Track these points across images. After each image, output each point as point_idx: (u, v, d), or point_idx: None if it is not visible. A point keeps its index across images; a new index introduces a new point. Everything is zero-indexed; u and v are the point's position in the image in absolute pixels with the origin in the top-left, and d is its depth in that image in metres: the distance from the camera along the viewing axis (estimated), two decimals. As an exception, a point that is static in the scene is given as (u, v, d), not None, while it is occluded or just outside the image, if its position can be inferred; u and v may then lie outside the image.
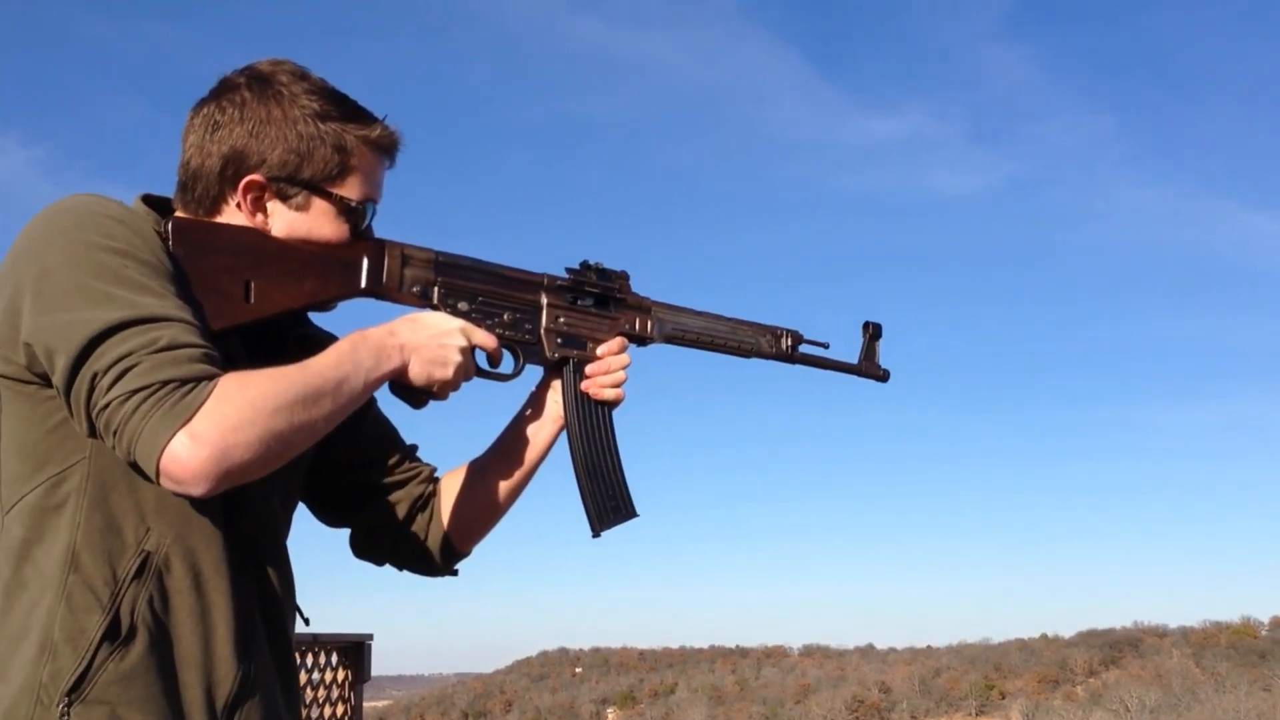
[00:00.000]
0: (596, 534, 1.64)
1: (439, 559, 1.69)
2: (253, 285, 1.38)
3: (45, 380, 1.28)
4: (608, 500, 1.67)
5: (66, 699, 1.24)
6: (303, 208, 1.43)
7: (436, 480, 1.69)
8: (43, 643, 1.26)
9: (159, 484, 1.22)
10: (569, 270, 1.66)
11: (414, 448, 1.70)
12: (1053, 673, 79.64)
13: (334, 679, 6.13)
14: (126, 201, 1.39)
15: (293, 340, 1.51)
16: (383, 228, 1.52)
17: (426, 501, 1.67)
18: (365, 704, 6.47)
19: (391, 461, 1.66)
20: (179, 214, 1.43)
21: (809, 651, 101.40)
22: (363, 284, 1.47)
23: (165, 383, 1.19)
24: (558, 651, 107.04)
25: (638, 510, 1.68)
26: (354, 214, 1.45)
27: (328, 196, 1.43)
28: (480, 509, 1.67)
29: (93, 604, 1.27)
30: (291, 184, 1.41)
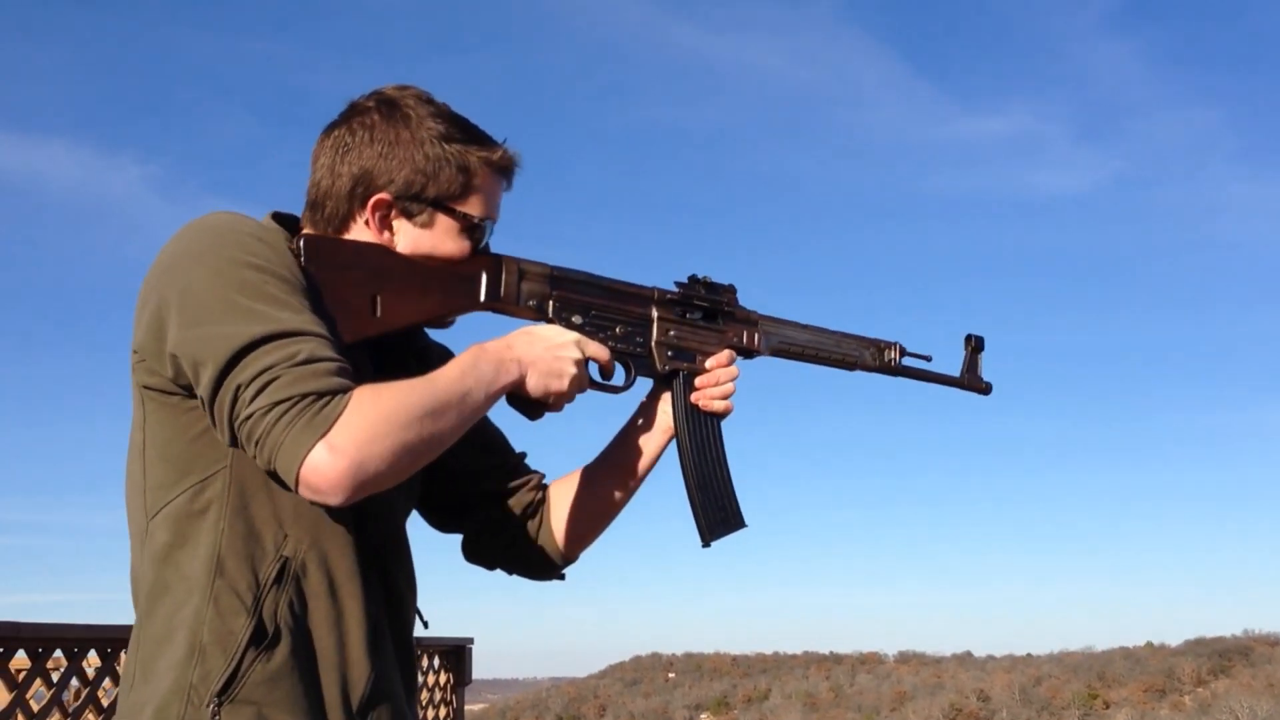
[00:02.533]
0: (706, 544, 1.68)
1: (548, 564, 1.74)
2: (379, 300, 1.43)
3: (189, 391, 1.34)
4: (717, 511, 1.69)
5: (217, 700, 1.30)
6: (427, 225, 1.49)
7: (545, 487, 1.74)
8: (191, 645, 1.32)
9: (298, 493, 1.27)
10: (678, 284, 1.69)
11: (523, 455, 1.75)
12: (1159, 682, 77.45)
13: (436, 681, 6.27)
14: (258, 219, 1.46)
15: (411, 354, 1.58)
16: (497, 240, 1.57)
17: (536, 508, 1.72)
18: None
19: (501, 469, 1.71)
20: (308, 231, 1.49)
21: (905, 658, 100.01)
22: (482, 298, 1.52)
23: (304, 395, 1.25)
24: (650, 656, 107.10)
25: (747, 521, 1.71)
26: (475, 231, 1.51)
27: (451, 214, 1.49)
28: (589, 516, 1.72)
29: (238, 608, 1.34)
30: (417, 202, 1.48)
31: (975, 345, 1.91)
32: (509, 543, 1.73)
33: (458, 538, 1.78)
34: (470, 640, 6.56)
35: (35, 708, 3.57)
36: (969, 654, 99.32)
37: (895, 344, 1.86)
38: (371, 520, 1.44)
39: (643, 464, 1.71)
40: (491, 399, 1.43)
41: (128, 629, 4.41)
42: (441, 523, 1.74)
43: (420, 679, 6.02)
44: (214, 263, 1.32)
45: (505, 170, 1.54)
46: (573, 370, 1.49)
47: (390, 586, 1.50)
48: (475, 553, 1.76)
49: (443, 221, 1.49)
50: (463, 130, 1.50)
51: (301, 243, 1.42)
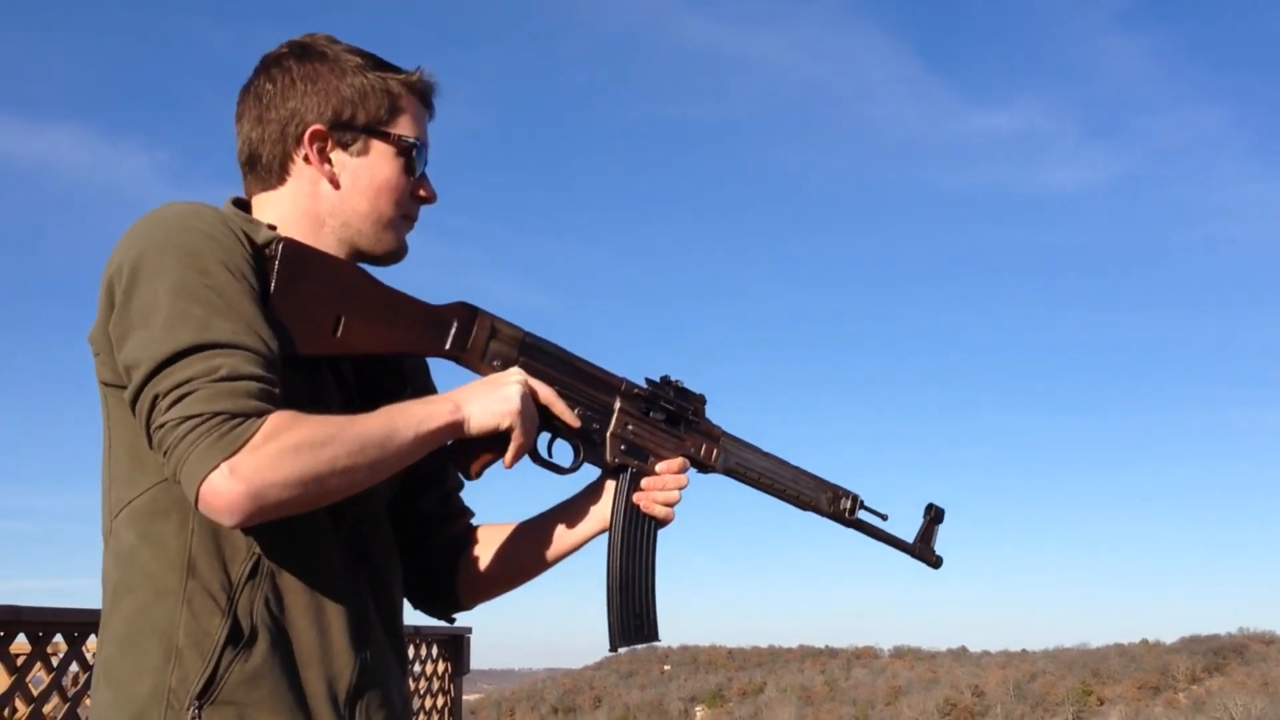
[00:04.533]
0: (614, 649, 1.65)
1: (448, 601, 1.72)
2: (342, 320, 1.40)
3: None
4: (633, 618, 1.65)
5: (196, 703, 1.28)
6: (363, 153, 1.49)
7: (474, 528, 1.72)
8: (167, 648, 1.30)
9: (197, 510, 1.25)
10: (649, 381, 1.66)
11: (460, 486, 1.73)
12: (1153, 679, 77.58)
13: (435, 670, 6.27)
14: (219, 205, 1.44)
15: (391, 373, 1.57)
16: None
17: (460, 546, 1.70)
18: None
19: (439, 495, 1.69)
20: (255, 206, 1.50)
21: (900, 653, 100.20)
22: (447, 345, 1.49)
23: (216, 414, 1.22)
24: (646, 649, 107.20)
25: (660, 635, 1.66)
26: (410, 151, 1.51)
27: (385, 138, 1.49)
28: (504, 574, 1.69)
29: (212, 608, 1.31)
30: (350, 130, 1.48)
31: (934, 516, 1.90)
32: (424, 570, 1.69)
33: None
34: (469, 630, 6.56)
35: (35, 691, 3.57)
36: (964, 649, 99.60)
37: (853, 495, 1.82)
38: (349, 506, 1.41)
39: (568, 546, 1.67)
40: (422, 440, 1.37)
41: (128, 614, 4.35)
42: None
43: (419, 668, 6.02)
44: (157, 261, 1.30)
45: (425, 92, 1.55)
46: (516, 398, 1.44)
47: (374, 570, 1.49)
48: None
49: (377, 147, 1.49)
50: (377, 61, 1.51)
51: (280, 246, 1.38)
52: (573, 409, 1.56)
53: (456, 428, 1.41)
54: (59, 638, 3.74)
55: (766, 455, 1.76)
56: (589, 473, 1.65)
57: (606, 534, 1.65)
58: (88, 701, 3.91)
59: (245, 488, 1.21)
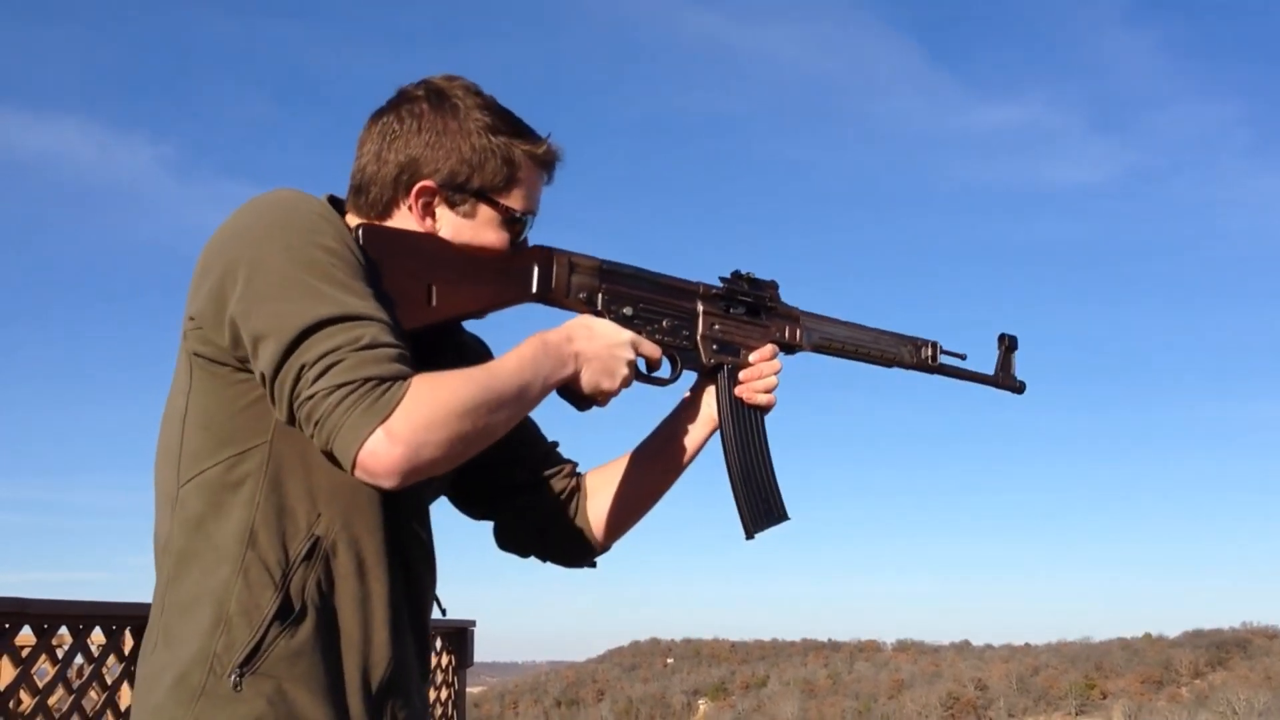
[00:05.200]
0: (750, 536, 1.68)
1: (581, 552, 1.75)
2: (434, 289, 1.45)
3: (241, 363, 1.35)
4: (761, 504, 1.70)
5: (239, 670, 1.32)
6: (469, 215, 1.49)
7: (579, 475, 1.75)
8: (218, 615, 1.34)
9: (353, 475, 1.29)
10: (722, 279, 1.70)
11: (555, 444, 1.76)
12: (1156, 673, 77.60)
13: (439, 663, 6.28)
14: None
15: (448, 347, 1.58)
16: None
17: (570, 496, 1.73)
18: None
19: (534, 458, 1.72)
20: (353, 219, 1.50)
21: (903, 646, 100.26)
22: (534, 290, 1.53)
23: (366, 380, 1.26)
24: (649, 642, 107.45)
25: (789, 514, 1.72)
26: (516, 224, 1.52)
27: (494, 206, 1.50)
28: (628, 505, 1.72)
29: (267, 581, 1.35)
30: (461, 192, 1.48)
31: (1009, 344, 1.92)
32: (541, 530, 1.73)
33: (468, 522, 1.77)
34: (472, 623, 6.57)
35: (40, 684, 3.58)
36: (967, 643, 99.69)
37: (932, 342, 1.86)
38: (401, 507, 1.45)
39: (686, 456, 1.71)
40: (547, 391, 1.45)
41: (132, 606, 4.40)
42: (473, 510, 1.74)
43: (422, 660, 6.02)
44: (283, 238, 1.33)
45: (548, 164, 1.55)
46: (625, 371, 1.52)
47: (411, 573, 1.51)
48: (508, 540, 1.76)
49: (484, 212, 1.50)
50: (508, 123, 1.51)
51: (361, 230, 1.43)
52: (660, 321, 1.62)
53: (570, 382, 1.48)
54: (64, 630, 3.75)
55: (846, 324, 1.81)
56: (685, 382, 1.70)
57: (718, 433, 1.70)
58: (92, 694, 3.93)
59: (403, 450, 1.26)
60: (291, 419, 1.31)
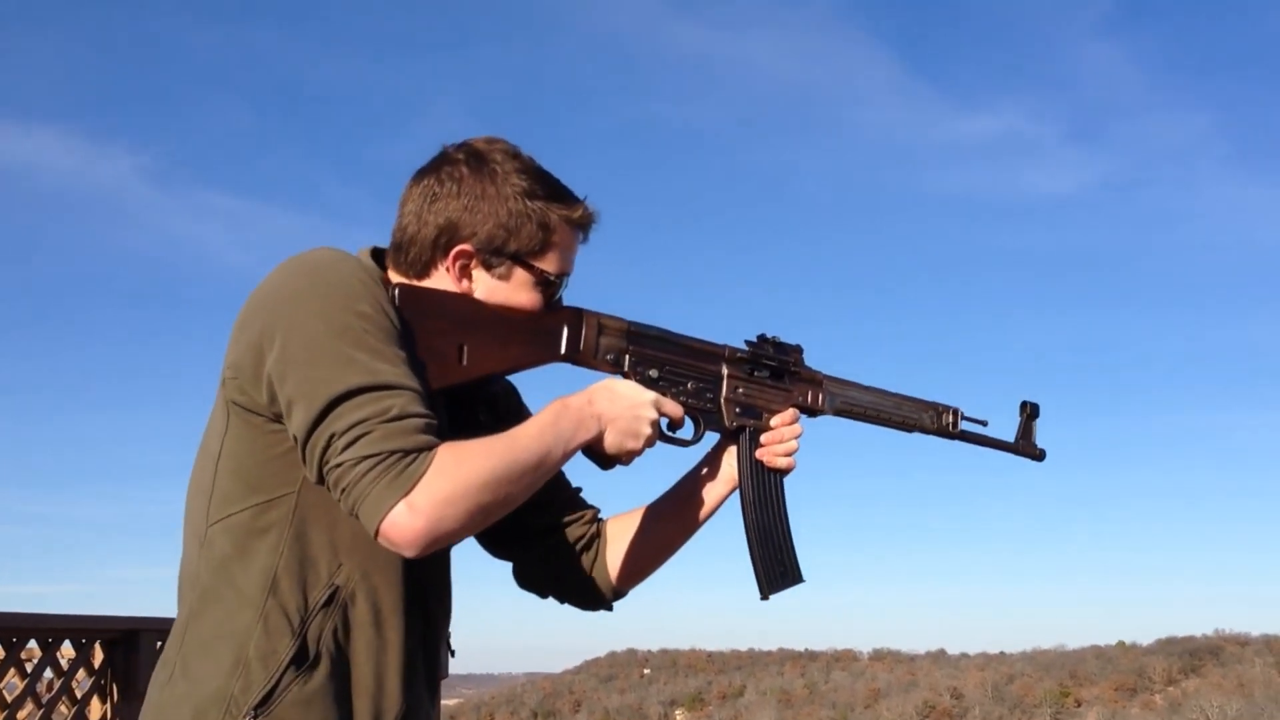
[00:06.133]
0: (765, 597, 1.72)
1: (598, 597, 1.79)
2: (465, 349, 1.50)
3: (276, 417, 1.41)
4: (776, 566, 1.74)
5: (253, 712, 1.39)
6: (504, 277, 1.54)
7: (600, 522, 1.79)
8: (238, 657, 1.40)
9: (376, 541, 1.35)
10: (748, 343, 1.74)
11: (579, 490, 1.80)
12: (1130, 681, 78.06)
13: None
14: (354, 254, 1.53)
15: (480, 401, 1.64)
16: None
17: (590, 542, 1.76)
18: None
19: (558, 503, 1.75)
20: (394, 275, 1.56)
21: (879, 655, 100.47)
22: (562, 350, 1.58)
23: (393, 452, 1.32)
24: (626, 652, 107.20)
25: (804, 576, 1.76)
26: (550, 286, 1.57)
27: (530, 269, 1.55)
28: (646, 556, 1.77)
29: (285, 628, 1.41)
30: (498, 255, 1.53)
31: (1030, 412, 1.96)
32: (560, 574, 1.77)
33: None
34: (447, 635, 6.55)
35: (8, 698, 3.55)
36: (943, 652, 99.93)
37: (954, 409, 1.90)
38: (422, 558, 1.46)
39: (704, 512, 1.76)
40: (569, 455, 1.49)
41: (103, 620, 4.38)
42: (496, 550, 1.77)
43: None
44: (319, 304, 1.38)
45: (584, 228, 1.60)
46: (648, 431, 1.55)
47: (429, 623, 1.56)
48: (527, 580, 1.80)
49: (519, 275, 1.55)
50: (546, 186, 1.56)
51: (397, 291, 1.48)
52: (685, 383, 1.66)
53: (594, 443, 1.52)
54: (33, 644, 3.72)
55: (868, 389, 1.85)
56: (706, 443, 1.74)
57: (736, 493, 1.74)
58: (62, 709, 3.90)
59: (424, 523, 1.32)
60: (321, 481, 1.37)
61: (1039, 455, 1.96)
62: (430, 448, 1.34)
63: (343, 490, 1.34)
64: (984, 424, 1.92)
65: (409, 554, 1.35)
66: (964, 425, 1.90)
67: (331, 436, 1.33)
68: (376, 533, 1.33)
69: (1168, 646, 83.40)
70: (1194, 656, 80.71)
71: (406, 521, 1.32)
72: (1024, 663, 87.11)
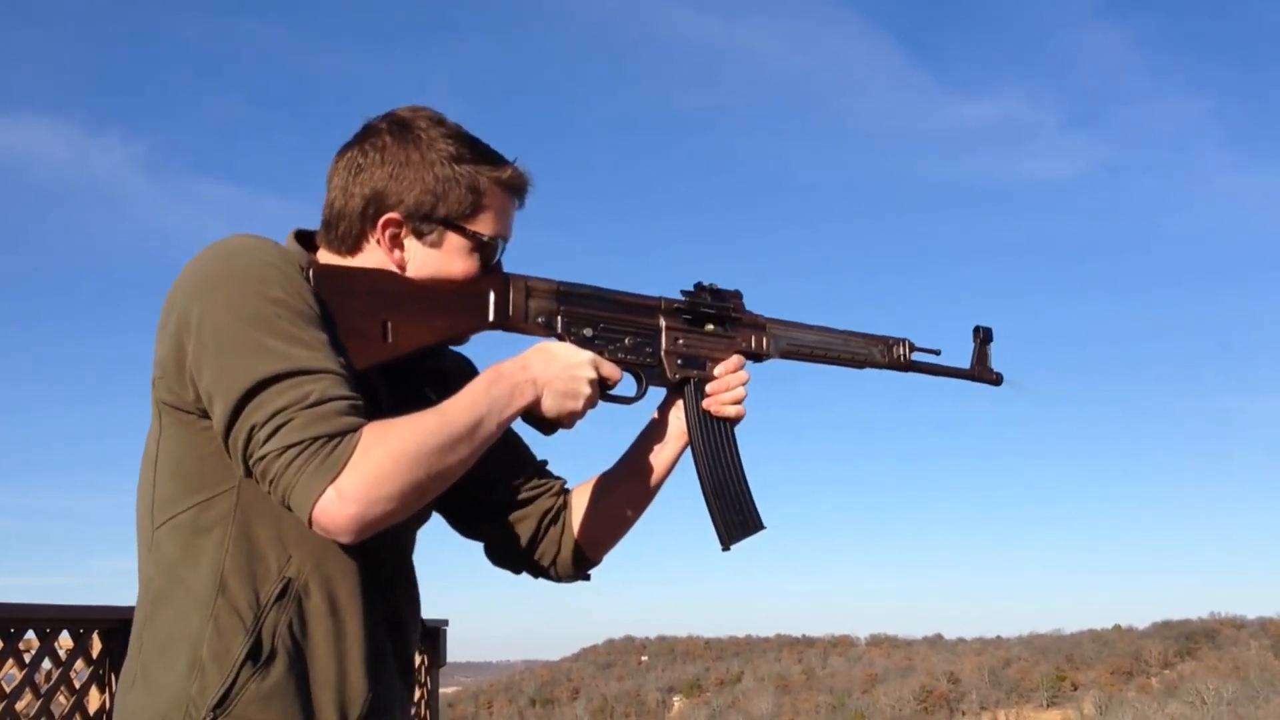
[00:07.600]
0: (726, 548, 1.69)
1: (571, 568, 1.76)
2: (389, 325, 1.46)
3: (204, 413, 1.37)
4: (735, 515, 1.70)
5: (213, 713, 1.36)
6: (436, 244, 1.51)
7: (567, 493, 1.76)
8: (192, 660, 1.38)
9: (311, 530, 1.32)
10: (684, 292, 1.69)
11: (544, 462, 1.77)
12: (1126, 664, 78.39)
13: (411, 663, 6.26)
14: (280, 240, 1.49)
15: (424, 375, 1.60)
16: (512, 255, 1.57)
17: (558, 514, 1.74)
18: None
19: (522, 477, 1.73)
20: (320, 256, 1.52)
21: (876, 641, 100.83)
22: (490, 317, 1.54)
23: (316, 439, 1.29)
24: (624, 640, 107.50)
25: (765, 523, 1.71)
26: (485, 249, 1.52)
27: (461, 232, 1.50)
28: (609, 523, 1.74)
29: (238, 626, 1.38)
30: (427, 222, 1.49)
31: (984, 337, 1.91)
32: (530, 548, 1.74)
33: (440, 520, 1.77)
34: (445, 622, 6.55)
35: (6, 689, 3.55)
36: (940, 636, 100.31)
37: (903, 340, 1.85)
38: (377, 543, 1.43)
39: (658, 472, 1.72)
40: (505, 424, 1.45)
41: (100, 610, 4.37)
42: (465, 529, 1.75)
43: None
44: (230, 292, 1.35)
45: (515, 189, 1.56)
46: (587, 391, 1.52)
47: (393, 609, 1.53)
48: (499, 557, 1.77)
49: (452, 240, 1.51)
50: (473, 150, 1.52)
51: (312, 272, 1.44)
52: (623, 339, 1.62)
53: (532, 408, 1.49)
54: (30, 634, 3.72)
55: (814, 328, 1.80)
56: (654, 397, 1.70)
57: (689, 449, 1.70)
58: (60, 699, 3.90)
59: (356, 507, 1.29)
60: (249, 474, 1.34)
61: (995, 379, 1.91)
62: (354, 429, 1.31)
63: (270, 482, 1.31)
64: (937, 353, 1.88)
65: (346, 539, 1.32)
66: (916, 356, 1.86)
67: (252, 428, 1.30)
68: (309, 522, 1.30)
69: (1164, 630, 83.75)
70: (1190, 639, 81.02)
71: (337, 507, 1.29)
72: (1020, 647, 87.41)
